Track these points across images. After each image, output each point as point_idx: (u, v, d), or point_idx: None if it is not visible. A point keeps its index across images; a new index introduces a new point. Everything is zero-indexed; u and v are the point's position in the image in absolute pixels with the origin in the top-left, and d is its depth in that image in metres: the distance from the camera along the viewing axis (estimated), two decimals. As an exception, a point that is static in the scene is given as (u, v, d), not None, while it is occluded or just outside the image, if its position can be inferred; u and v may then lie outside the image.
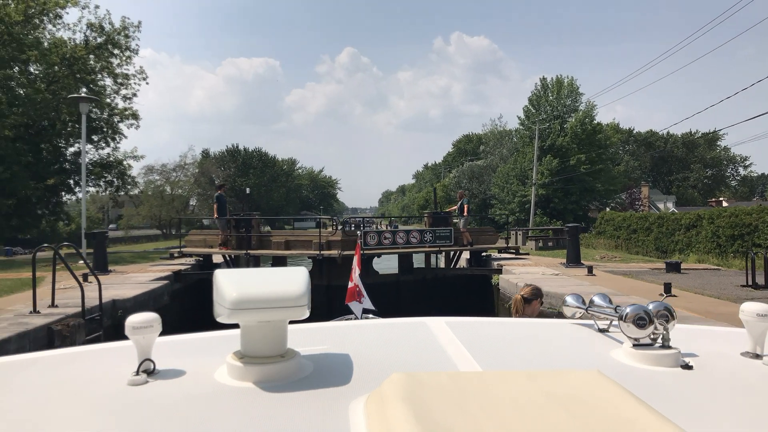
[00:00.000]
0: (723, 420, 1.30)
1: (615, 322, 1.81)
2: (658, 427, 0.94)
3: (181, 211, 46.56)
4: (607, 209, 46.68)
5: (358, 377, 1.50)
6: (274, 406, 1.28)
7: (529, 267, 16.52)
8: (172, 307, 14.21)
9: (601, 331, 2.04)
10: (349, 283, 9.83)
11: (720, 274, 15.58)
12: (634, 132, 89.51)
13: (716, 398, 1.43)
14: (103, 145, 30.13)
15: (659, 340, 1.68)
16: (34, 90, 23.61)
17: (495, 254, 20.51)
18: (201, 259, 18.94)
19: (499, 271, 16.15)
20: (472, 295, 17.48)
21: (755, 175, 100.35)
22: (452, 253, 20.12)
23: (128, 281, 14.07)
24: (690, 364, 1.61)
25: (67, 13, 26.42)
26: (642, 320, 1.64)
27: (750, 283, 12.31)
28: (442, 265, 21.12)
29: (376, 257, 18.65)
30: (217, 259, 19.86)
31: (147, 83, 30.23)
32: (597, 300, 2.03)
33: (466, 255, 20.69)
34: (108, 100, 28.68)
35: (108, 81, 29.00)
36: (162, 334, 1.54)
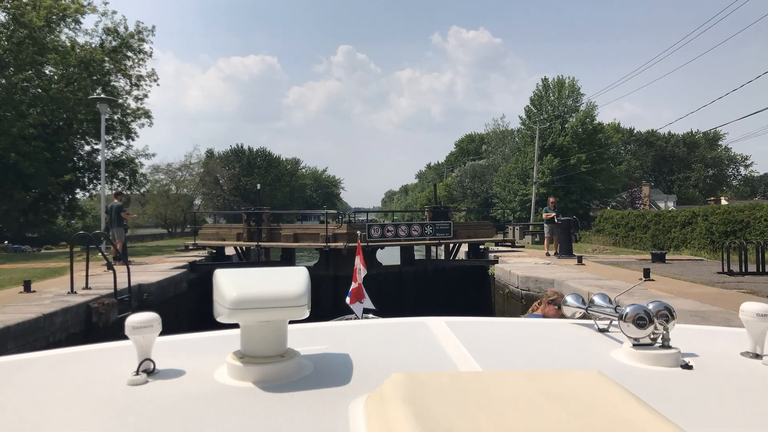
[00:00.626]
0: (723, 420, 1.30)
1: (615, 322, 1.81)
2: (658, 427, 0.94)
3: (186, 210, 47.52)
4: (608, 208, 47.53)
5: (358, 377, 1.50)
6: (274, 405, 1.29)
7: (523, 258, 17.51)
8: (189, 293, 15.29)
9: (601, 331, 2.06)
10: (353, 283, 9.93)
11: (702, 264, 16.55)
12: (635, 131, 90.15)
13: (716, 398, 1.43)
14: (114, 144, 31.24)
15: (659, 340, 1.68)
16: (56, 90, 24.71)
17: (492, 247, 21.59)
18: (214, 251, 20.03)
19: (495, 262, 17.13)
20: (470, 284, 18.43)
21: (757, 174, 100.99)
22: (451, 245, 21.11)
23: (149, 270, 15.12)
24: (690, 364, 1.61)
25: (84, 18, 27.63)
26: (642, 320, 1.65)
27: (725, 270, 13.29)
28: (442, 257, 22.10)
29: (379, 249, 19.63)
30: (230, 251, 21.02)
31: (158, 84, 31.36)
32: (597, 300, 2.04)
33: (464, 248, 21.70)
34: (120, 101, 29.78)
35: (122, 82, 30.12)
36: (162, 333, 1.56)
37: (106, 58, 27.69)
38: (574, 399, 1.08)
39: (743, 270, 13.04)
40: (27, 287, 11.14)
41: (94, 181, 30.64)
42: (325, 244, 18.21)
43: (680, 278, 12.28)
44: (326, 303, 15.61)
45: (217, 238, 20.32)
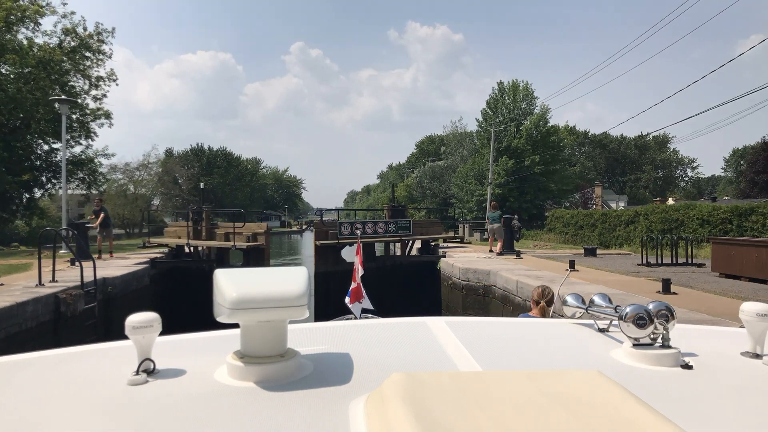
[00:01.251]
0: (723, 420, 1.30)
1: (615, 322, 1.82)
2: (658, 427, 0.95)
3: (144, 210, 47.40)
4: (561, 208, 49.39)
5: (358, 377, 1.51)
6: (274, 405, 1.30)
7: (467, 253, 18.81)
8: (150, 288, 16.00)
9: (601, 330, 2.06)
10: (353, 283, 10.10)
11: (628, 257, 18.11)
12: (590, 134, 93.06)
13: (716, 398, 1.44)
14: (73, 143, 31.34)
15: (659, 340, 1.69)
16: (13, 90, 24.87)
17: (442, 243, 22.93)
18: (174, 248, 20.70)
19: (443, 257, 18.35)
20: (424, 278, 19.63)
21: (703, 176, 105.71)
22: (407, 242, 22.32)
23: (112, 265, 15.76)
24: (690, 364, 1.62)
25: (43, 20, 27.77)
26: (642, 320, 1.65)
27: (644, 262, 14.78)
28: (398, 253, 23.32)
29: (348, 245, 20.64)
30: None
31: (117, 85, 31.63)
32: (597, 300, 2.04)
33: (417, 245, 22.93)
34: (79, 101, 29.94)
35: (80, 82, 30.28)
36: (162, 333, 1.56)
37: (65, 58, 27.90)
38: (574, 399, 1.09)
39: (659, 262, 14.55)
40: (-5, 281, 11.74)
41: (53, 180, 30.70)
42: (247, 243, 19.00)
43: (603, 269, 13.68)
44: None
45: (176, 236, 21.02)
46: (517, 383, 1.19)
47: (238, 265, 19.08)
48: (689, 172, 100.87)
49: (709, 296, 9.83)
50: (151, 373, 1.49)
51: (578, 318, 2.17)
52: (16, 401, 1.38)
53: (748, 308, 1.67)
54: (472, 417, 1.01)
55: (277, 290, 1.45)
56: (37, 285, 11.36)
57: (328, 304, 16.28)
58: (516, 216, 21.37)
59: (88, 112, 30.45)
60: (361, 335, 2.05)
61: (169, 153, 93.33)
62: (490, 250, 19.76)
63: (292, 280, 1.51)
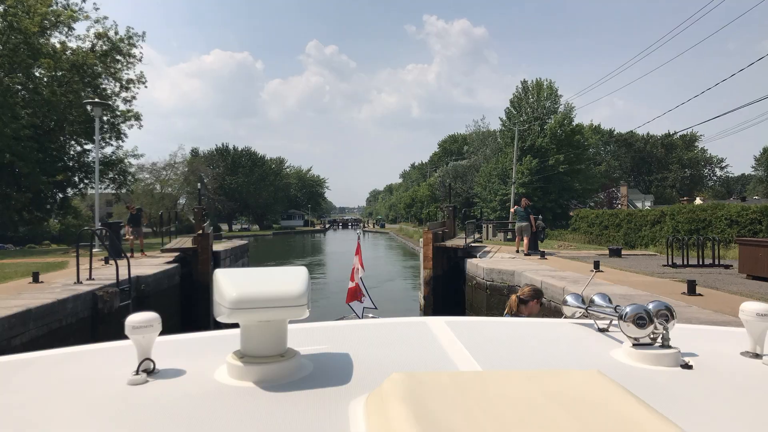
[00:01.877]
0: (723, 419, 1.30)
1: (615, 322, 1.82)
2: (658, 427, 0.95)
3: (171, 209, 48.24)
4: (586, 208, 49.00)
5: (358, 377, 1.51)
6: (274, 405, 1.30)
7: (492, 253, 18.86)
8: (180, 286, 16.45)
9: (601, 330, 2.07)
10: (350, 283, 10.00)
11: (653, 258, 18.01)
12: (615, 133, 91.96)
13: (716, 398, 1.44)
14: (103, 144, 32.17)
15: (659, 340, 1.69)
16: (50, 92, 25.66)
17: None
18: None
19: (474, 256, 18.44)
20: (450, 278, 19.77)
21: (732, 176, 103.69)
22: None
23: (144, 264, 16.21)
24: (690, 364, 1.63)
25: (76, 25, 28.59)
26: (642, 320, 1.65)
27: (669, 263, 14.74)
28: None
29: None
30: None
31: (146, 87, 32.35)
32: (597, 300, 2.05)
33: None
34: (110, 102, 30.72)
35: (111, 84, 31.04)
36: (162, 333, 1.56)
37: (97, 62, 28.66)
38: (574, 399, 1.09)
39: (685, 263, 14.50)
40: (36, 278, 12.23)
41: (85, 181, 31.51)
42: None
43: (627, 270, 13.69)
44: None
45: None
46: (517, 383, 1.19)
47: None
48: (718, 172, 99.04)
49: (734, 298, 9.84)
50: (151, 372, 1.49)
51: (578, 318, 2.19)
52: (16, 401, 1.37)
53: (748, 308, 1.67)
54: (472, 417, 1.01)
55: (277, 290, 1.45)
56: (75, 283, 11.80)
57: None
58: (540, 216, 21.21)
59: (119, 113, 31.20)
60: (361, 335, 2.05)
61: (194, 153, 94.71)
62: (517, 251, 19.48)
63: (292, 279, 1.50)
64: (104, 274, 13.08)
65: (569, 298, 2.23)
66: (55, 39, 28.29)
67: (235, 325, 1.52)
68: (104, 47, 29.32)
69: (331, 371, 1.55)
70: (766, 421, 1.30)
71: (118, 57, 30.03)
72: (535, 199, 51.43)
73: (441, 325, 2.14)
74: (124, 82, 30.60)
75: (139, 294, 13.31)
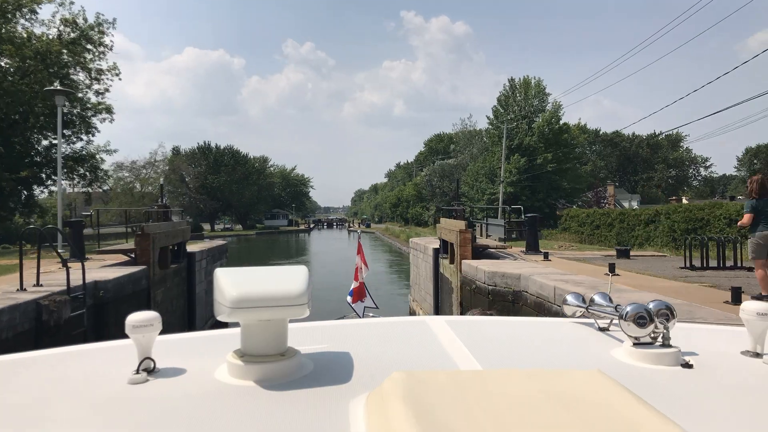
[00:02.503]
0: (723, 419, 1.30)
1: (615, 321, 1.82)
2: (659, 427, 0.95)
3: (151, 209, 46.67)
4: (574, 207, 48.24)
5: (359, 376, 1.51)
6: (274, 404, 1.30)
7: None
8: (148, 291, 14.85)
9: (602, 329, 2.07)
10: (354, 282, 9.80)
11: (665, 260, 16.81)
12: (601, 132, 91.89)
13: (716, 397, 1.44)
14: (74, 139, 30.36)
15: (659, 339, 1.69)
16: (11, 83, 23.81)
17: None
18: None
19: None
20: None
21: (716, 175, 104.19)
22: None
23: (107, 265, 14.62)
24: (690, 363, 1.62)
25: (41, 8, 26.70)
26: (642, 319, 1.65)
27: (687, 265, 13.48)
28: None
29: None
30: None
31: (120, 79, 30.55)
32: (597, 299, 2.05)
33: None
34: (80, 95, 28.92)
35: (81, 76, 29.23)
36: (162, 332, 1.57)
37: (64, 51, 26.81)
38: (574, 398, 1.09)
39: (704, 265, 13.26)
40: (-27, 285, 10.61)
41: (53, 177, 29.66)
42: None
43: (644, 273, 12.41)
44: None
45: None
46: (517, 382, 1.19)
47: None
48: (702, 171, 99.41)
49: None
50: (151, 372, 1.49)
51: (578, 317, 2.17)
52: (17, 400, 1.38)
53: (748, 307, 1.66)
54: (472, 416, 1.01)
55: (278, 289, 1.45)
56: (18, 290, 10.21)
57: None
58: (538, 215, 20.08)
59: (89, 106, 29.38)
60: (361, 334, 2.06)
61: (176, 151, 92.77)
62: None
63: (292, 278, 1.51)
64: (58, 279, 11.42)
65: (569, 298, 2.21)
66: (20, 27, 26.51)
67: (236, 324, 1.52)
68: (72, 35, 27.44)
69: (331, 370, 1.55)
70: (767, 420, 1.30)
71: (89, 46, 28.20)
72: (523, 198, 50.61)
73: (441, 324, 2.14)
74: (94, 73, 28.75)
75: (96, 301, 11.71)
